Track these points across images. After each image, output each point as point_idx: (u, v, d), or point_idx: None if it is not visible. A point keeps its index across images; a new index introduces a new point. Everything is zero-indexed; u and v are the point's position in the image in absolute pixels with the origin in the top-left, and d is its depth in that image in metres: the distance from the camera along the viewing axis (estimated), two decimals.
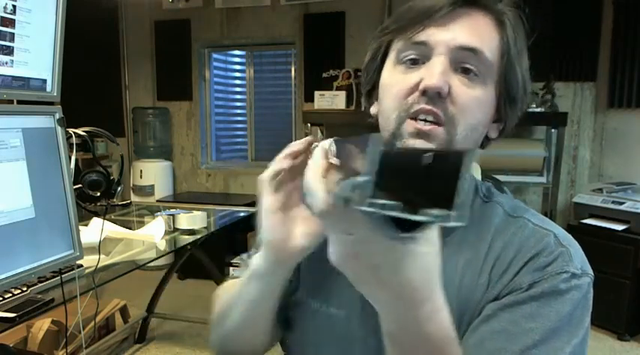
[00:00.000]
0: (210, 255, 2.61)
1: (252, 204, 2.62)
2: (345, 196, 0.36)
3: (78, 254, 1.29)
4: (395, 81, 0.63)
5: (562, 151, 3.10)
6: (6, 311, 1.19)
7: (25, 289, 1.27)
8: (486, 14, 0.63)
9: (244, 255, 0.80)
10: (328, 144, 0.44)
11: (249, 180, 4.19)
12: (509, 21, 0.63)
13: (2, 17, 1.07)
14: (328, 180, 0.41)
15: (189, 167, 4.36)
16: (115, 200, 1.55)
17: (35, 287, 1.30)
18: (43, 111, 1.21)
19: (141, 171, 4.04)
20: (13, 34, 1.11)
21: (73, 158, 1.32)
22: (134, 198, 3.96)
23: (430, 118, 0.59)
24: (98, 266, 1.47)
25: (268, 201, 0.58)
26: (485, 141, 0.68)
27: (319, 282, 0.70)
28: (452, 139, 0.60)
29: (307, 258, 0.60)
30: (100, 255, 1.52)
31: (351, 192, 0.35)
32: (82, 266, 1.41)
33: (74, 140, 1.38)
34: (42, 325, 2.24)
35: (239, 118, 4.40)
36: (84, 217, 1.66)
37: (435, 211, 0.32)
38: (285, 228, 0.58)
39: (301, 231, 0.58)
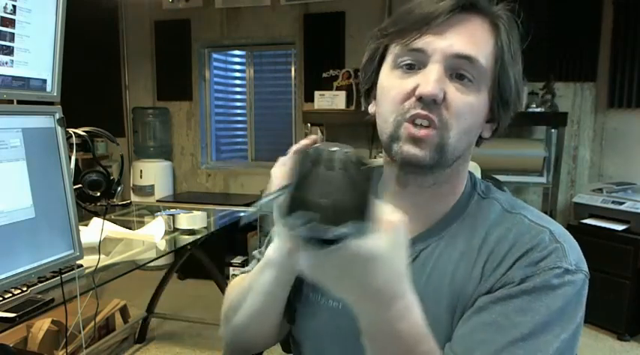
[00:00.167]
0: (210, 255, 2.61)
1: (252, 204, 2.62)
2: (256, 215, 0.37)
3: (78, 254, 1.29)
4: (392, 85, 0.65)
5: (562, 151, 3.10)
6: (6, 311, 1.19)
7: (25, 289, 1.27)
8: (483, 19, 0.65)
9: (255, 251, 0.84)
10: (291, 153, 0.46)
11: (249, 180, 4.19)
12: (504, 25, 0.65)
13: (2, 17, 1.07)
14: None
15: (189, 167, 4.36)
16: (115, 200, 1.55)
17: (35, 287, 1.30)
18: (43, 111, 1.21)
19: (141, 171, 4.04)
20: (13, 34, 1.11)
21: (73, 158, 1.32)
22: (134, 198, 3.96)
23: (425, 123, 0.62)
24: (98, 266, 1.47)
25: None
26: (479, 140, 0.71)
27: None
28: (445, 142, 0.63)
29: None
30: (100, 255, 1.52)
31: (263, 210, 0.36)
32: (82, 266, 1.41)
33: (74, 140, 1.38)
34: (42, 325, 2.24)
35: (239, 118, 4.40)
36: (84, 217, 1.66)
37: (350, 225, 0.34)
38: None
39: None
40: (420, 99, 0.61)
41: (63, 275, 1.31)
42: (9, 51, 1.11)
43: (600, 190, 3.01)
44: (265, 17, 3.93)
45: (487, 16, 0.65)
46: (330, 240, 0.37)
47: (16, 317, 1.18)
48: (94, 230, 1.72)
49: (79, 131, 1.44)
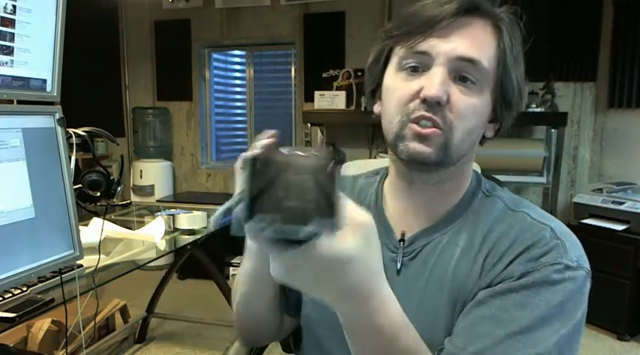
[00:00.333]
0: (210, 255, 2.61)
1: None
2: (218, 221, 0.36)
3: (78, 254, 1.29)
4: (397, 87, 0.67)
5: (562, 151, 3.10)
6: (6, 311, 1.19)
7: (25, 289, 1.27)
8: (485, 21, 0.66)
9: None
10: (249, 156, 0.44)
11: None
12: (507, 27, 0.67)
13: (2, 17, 1.07)
14: None
15: (189, 167, 4.36)
16: (115, 200, 1.55)
17: (35, 287, 1.30)
18: (43, 111, 1.21)
19: (141, 171, 4.04)
20: (13, 34, 1.11)
21: (73, 158, 1.32)
22: (134, 198, 3.96)
23: (429, 124, 0.64)
24: (98, 266, 1.47)
25: None
26: (483, 140, 0.73)
27: None
28: (450, 142, 0.64)
29: None
30: (100, 255, 1.52)
31: (224, 215, 0.35)
32: (82, 266, 1.41)
33: (74, 140, 1.38)
34: (42, 325, 2.24)
35: (239, 118, 4.40)
36: (84, 217, 1.66)
37: (316, 223, 0.33)
38: None
39: None
40: (424, 101, 0.63)
41: (63, 275, 1.31)
42: (9, 51, 1.11)
43: (600, 190, 3.01)
44: (265, 17, 3.93)
45: (490, 19, 0.67)
46: (299, 240, 0.36)
47: (16, 317, 1.18)
48: (94, 230, 1.72)
49: (79, 131, 1.44)
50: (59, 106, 1.25)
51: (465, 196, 0.72)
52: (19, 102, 1.18)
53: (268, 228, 0.33)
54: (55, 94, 1.25)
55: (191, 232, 2.20)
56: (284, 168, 0.35)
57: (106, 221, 1.58)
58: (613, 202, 2.89)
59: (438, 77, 0.63)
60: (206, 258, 2.54)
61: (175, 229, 2.20)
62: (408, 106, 0.65)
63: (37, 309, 1.24)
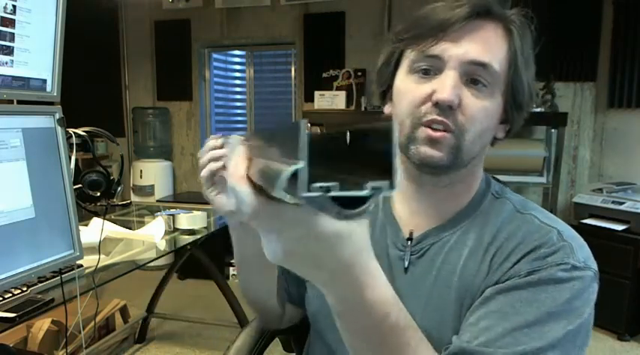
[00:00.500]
0: (210, 255, 2.61)
1: None
2: (285, 189, 0.35)
3: (78, 254, 1.29)
4: (408, 89, 0.68)
5: (562, 151, 3.10)
6: (6, 311, 1.19)
7: (25, 289, 1.27)
8: (496, 25, 0.67)
9: None
10: (244, 138, 0.44)
11: None
12: (517, 30, 0.67)
13: (2, 17, 1.07)
14: (253, 178, 0.40)
15: (189, 167, 4.36)
16: (115, 200, 1.55)
17: (35, 287, 1.29)
18: (43, 111, 1.21)
19: (141, 171, 4.04)
20: (13, 34, 1.11)
21: (73, 158, 1.32)
22: (134, 198, 3.96)
23: (441, 127, 0.64)
24: (98, 266, 1.47)
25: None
26: (494, 141, 0.73)
27: None
28: (461, 145, 0.65)
29: None
30: (100, 255, 1.52)
31: (287, 184, 0.35)
32: (82, 266, 1.41)
33: (74, 140, 1.38)
34: (42, 325, 2.23)
35: (239, 118, 4.40)
36: (84, 217, 1.66)
37: (376, 183, 0.33)
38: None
39: None
40: (436, 104, 0.64)
41: (63, 275, 1.31)
42: (9, 51, 1.11)
43: (600, 190, 3.01)
44: (265, 17, 3.93)
45: (501, 22, 0.67)
46: (358, 200, 0.35)
47: (16, 317, 1.18)
48: (94, 230, 1.72)
49: (79, 131, 1.44)
50: (59, 106, 1.25)
51: (474, 197, 0.73)
52: (19, 102, 1.18)
53: (332, 188, 0.33)
54: (55, 94, 1.25)
55: (191, 232, 2.20)
56: (344, 134, 0.35)
57: (106, 221, 1.58)
58: (613, 202, 2.89)
59: (450, 81, 0.63)
60: (206, 258, 2.54)
61: (175, 229, 2.20)
62: (419, 109, 0.65)
63: (37, 309, 1.24)
